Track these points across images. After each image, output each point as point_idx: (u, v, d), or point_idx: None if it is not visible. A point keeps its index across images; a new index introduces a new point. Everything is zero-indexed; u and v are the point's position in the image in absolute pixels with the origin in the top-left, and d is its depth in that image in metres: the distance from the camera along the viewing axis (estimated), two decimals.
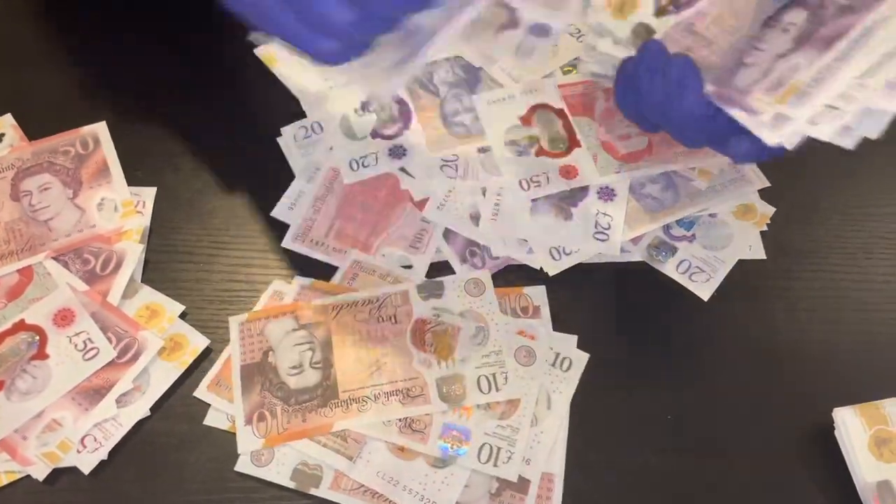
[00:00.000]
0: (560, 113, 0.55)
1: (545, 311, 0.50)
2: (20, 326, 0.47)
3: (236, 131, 0.56)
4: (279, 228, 0.52)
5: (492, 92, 0.55)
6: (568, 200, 0.52)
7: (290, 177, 0.54)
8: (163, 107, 0.57)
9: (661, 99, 0.44)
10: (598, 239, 0.51)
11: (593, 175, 0.53)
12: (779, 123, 0.41)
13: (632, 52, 0.48)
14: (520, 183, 0.52)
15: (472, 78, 0.56)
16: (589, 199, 0.52)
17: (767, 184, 0.54)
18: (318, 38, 0.36)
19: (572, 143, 0.54)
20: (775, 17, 0.45)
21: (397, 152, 0.53)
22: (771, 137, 0.41)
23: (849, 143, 0.40)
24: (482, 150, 0.54)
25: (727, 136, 0.43)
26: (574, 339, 0.49)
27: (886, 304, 0.51)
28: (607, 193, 0.52)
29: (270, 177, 0.54)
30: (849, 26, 0.41)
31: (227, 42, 0.57)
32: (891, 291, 0.52)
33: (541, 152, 0.53)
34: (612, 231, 0.51)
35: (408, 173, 0.53)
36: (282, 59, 0.57)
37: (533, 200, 0.52)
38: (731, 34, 0.46)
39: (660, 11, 0.48)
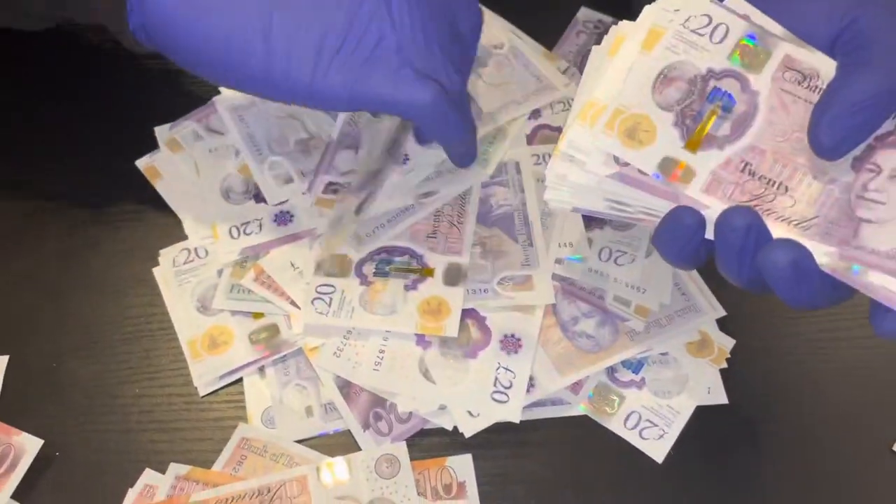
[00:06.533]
0: None
1: (472, 489, 0.42)
2: None
3: (106, 270, 0.48)
4: (154, 397, 0.44)
5: None
6: (465, 349, 0.45)
7: (170, 329, 0.46)
8: (14, 249, 0.48)
9: (759, 282, 0.34)
10: (495, 400, 0.43)
11: None
12: None
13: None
14: None
15: None
16: (490, 350, 0.44)
17: (723, 312, 0.46)
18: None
19: None
20: (864, 158, 0.35)
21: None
22: None
23: None
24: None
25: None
26: None
27: (868, 468, 0.44)
28: (512, 343, 0.45)
29: (145, 332, 0.46)
30: None
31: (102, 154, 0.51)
32: (874, 446, 0.44)
33: None
34: (514, 391, 0.43)
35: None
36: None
37: (425, 349, 0.44)
38: (811, 175, 0.35)
39: (691, 144, 0.36)
